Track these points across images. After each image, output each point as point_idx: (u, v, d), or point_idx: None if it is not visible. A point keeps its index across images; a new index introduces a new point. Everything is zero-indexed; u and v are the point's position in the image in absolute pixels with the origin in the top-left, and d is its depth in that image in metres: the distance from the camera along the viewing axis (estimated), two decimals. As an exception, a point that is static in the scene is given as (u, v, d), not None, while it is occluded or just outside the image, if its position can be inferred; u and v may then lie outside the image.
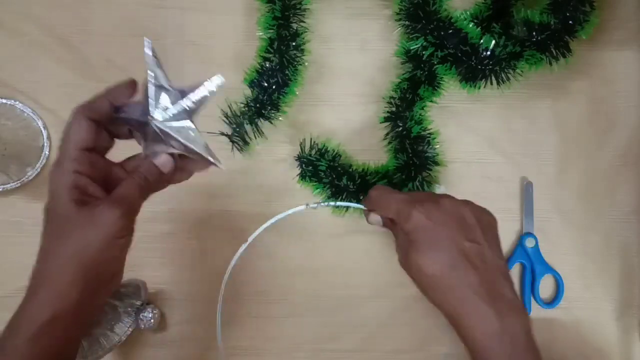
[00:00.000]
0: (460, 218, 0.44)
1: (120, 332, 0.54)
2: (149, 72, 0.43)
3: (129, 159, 0.44)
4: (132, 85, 0.43)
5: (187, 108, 0.42)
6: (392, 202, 0.46)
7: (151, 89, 0.42)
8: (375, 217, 0.49)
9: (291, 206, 0.51)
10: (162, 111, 0.42)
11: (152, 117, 0.41)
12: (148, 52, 0.43)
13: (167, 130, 0.41)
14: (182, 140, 0.41)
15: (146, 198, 0.42)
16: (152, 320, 0.57)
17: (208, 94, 0.43)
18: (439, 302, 0.44)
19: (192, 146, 0.42)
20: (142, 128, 0.42)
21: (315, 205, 0.52)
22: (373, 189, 0.49)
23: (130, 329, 0.55)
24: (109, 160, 0.43)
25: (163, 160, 0.42)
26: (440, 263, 0.42)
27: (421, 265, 0.43)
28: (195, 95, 0.43)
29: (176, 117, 0.42)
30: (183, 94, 0.43)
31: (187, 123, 0.42)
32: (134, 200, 0.41)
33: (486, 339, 0.41)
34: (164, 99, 0.42)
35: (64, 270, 0.38)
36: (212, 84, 0.43)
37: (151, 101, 0.41)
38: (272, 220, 0.60)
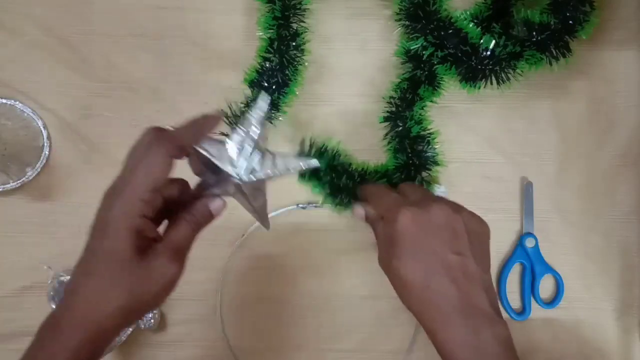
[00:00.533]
0: (449, 228, 0.43)
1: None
2: (253, 127, 0.41)
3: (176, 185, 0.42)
4: (218, 118, 0.41)
5: (274, 174, 0.41)
6: (384, 199, 0.46)
7: (248, 149, 0.41)
8: (359, 210, 0.48)
9: (291, 206, 0.51)
10: (249, 171, 0.40)
11: (239, 177, 0.40)
12: (264, 106, 0.41)
13: (244, 188, 0.40)
14: (251, 201, 0.41)
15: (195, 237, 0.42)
16: (152, 320, 0.57)
17: (293, 171, 0.42)
18: (414, 310, 0.43)
19: (255, 205, 0.41)
20: (214, 169, 0.40)
21: (304, 206, 0.52)
22: (370, 184, 0.48)
23: (130, 329, 0.55)
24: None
25: (218, 206, 0.41)
26: (420, 273, 0.42)
27: (400, 271, 0.42)
28: (290, 165, 0.42)
29: (259, 179, 0.41)
30: (272, 157, 0.41)
31: (262, 186, 0.41)
32: (188, 247, 0.40)
33: (461, 352, 0.40)
34: (254, 157, 0.41)
35: (110, 317, 0.37)
36: (307, 163, 0.42)
37: (241, 161, 0.40)
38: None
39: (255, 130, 0.40)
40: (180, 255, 0.39)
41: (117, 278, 0.37)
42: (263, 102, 0.40)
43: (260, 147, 0.41)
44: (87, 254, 0.38)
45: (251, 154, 0.40)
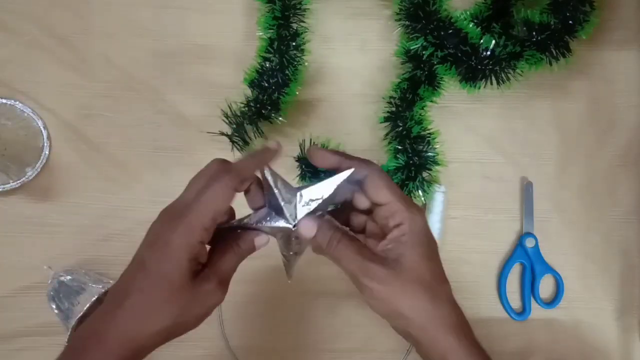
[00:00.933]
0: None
1: None
2: (326, 192, 0.41)
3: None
4: (277, 151, 0.41)
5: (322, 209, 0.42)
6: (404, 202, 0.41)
7: (312, 206, 0.41)
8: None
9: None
10: (303, 209, 0.41)
11: (294, 224, 0.41)
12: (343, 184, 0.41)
13: (292, 235, 0.42)
14: (290, 248, 0.43)
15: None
16: None
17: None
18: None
19: (291, 254, 0.43)
20: (274, 208, 0.41)
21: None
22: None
23: None
24: None
25: (262, 242, 0.42)
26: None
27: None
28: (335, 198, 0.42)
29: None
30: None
31: (305, 242, 0.43)
32: (232, 275, 0.41)
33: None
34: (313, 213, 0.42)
35: (153, 336, 0.38)
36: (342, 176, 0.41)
37: (300, 210, 0.41)
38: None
39: (326, 196, 0.41)
40: (225, 282, 0.40)
41: (169, 300, 0.37)
42: (344, 178, 0.41)
43: (321, 207, 0.42)
44: (139, 268, 0.38)
45: (313, 211, 0.41)
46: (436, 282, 0.41)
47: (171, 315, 0.37)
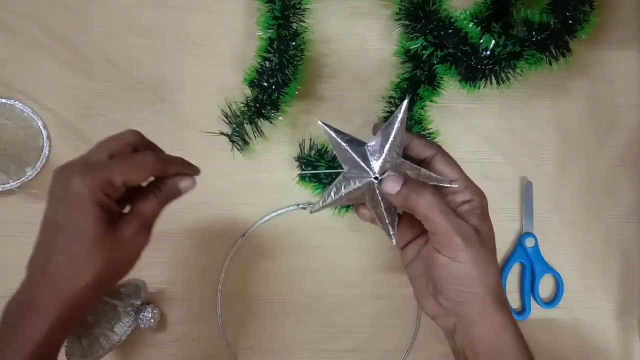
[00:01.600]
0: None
1: (120, 332, 0.54)
2: (393, 134, 0.41)
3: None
4: (188, 188, 0.44)
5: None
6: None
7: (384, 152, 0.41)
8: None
9: (291, 206, 0.51)
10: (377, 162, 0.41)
11: (375, 176, 0.41)
12: (403, 115, 0.41)
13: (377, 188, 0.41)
14: (378, 204, 0.42)
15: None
16: (152, 320, 0.57)
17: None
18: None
19: (379, 210, 0.42)
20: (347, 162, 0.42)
21: (305, 206, 0.52)
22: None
23: (131, 329, 0.55)
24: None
25: (187, 185, 0.43)
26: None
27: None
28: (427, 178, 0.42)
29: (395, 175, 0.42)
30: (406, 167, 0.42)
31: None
32: (155, 219, 0.42)
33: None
34: (386, 162, 0.42)
35: (85, 290, 0.38)
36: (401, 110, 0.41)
37: (374, 163, 0.41)
38: (267, 218, 0.60)
39: (394, 139, 0.41)
40: (148, 226, 0.41)
41: (90, 251, 0.37)
42: (403, 111, 0.41)
43: (392, 156, 0.41)
44: (50, 229, 0.39)
45: (389, 159, 0.41)
46: (495, 255, 0.43)
47: (96, 266, 0.38)
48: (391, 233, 0.42)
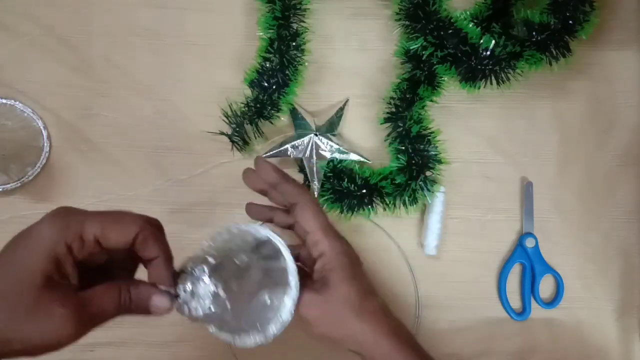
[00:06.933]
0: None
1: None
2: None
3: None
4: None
5: None
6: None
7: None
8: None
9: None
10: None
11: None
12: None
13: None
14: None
15: (116, 317, 0.36)
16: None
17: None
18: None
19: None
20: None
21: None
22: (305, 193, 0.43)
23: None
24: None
25: (159, 304, 0.37)
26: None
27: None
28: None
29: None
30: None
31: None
32: (100, 319, 0.34)
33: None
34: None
35: None
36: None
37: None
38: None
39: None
40: (88, 320, 0.33)
41: (5, 298, 0.31)
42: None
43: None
44: None
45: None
46: (361, 298, 0.42)
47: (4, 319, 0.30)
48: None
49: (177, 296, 0.38)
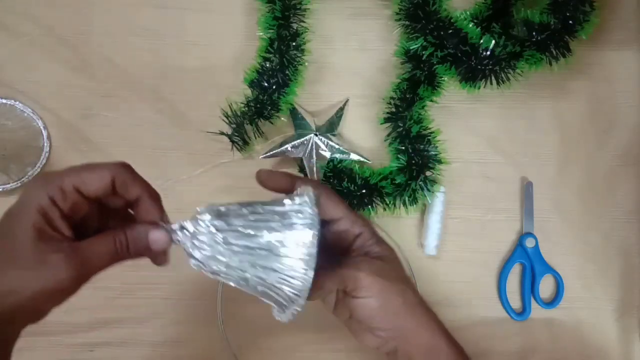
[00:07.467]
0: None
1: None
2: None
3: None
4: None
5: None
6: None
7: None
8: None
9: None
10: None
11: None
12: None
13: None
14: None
15: (116, 263, 0.37)
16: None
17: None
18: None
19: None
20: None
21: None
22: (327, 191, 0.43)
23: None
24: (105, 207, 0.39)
25: (157, 237, 0.37)
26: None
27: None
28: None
29: None
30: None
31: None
32: (97, 266, 0.36)
33: None
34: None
35: None
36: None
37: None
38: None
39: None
40: (85, 265, 0.34)
41: (7, 258, 0.33)
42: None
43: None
44: None
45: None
46: (411, 289, 0.44)
47: (2, 277, 0.33)
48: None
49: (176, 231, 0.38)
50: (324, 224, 0.42)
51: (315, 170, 0.58)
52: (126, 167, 0.38)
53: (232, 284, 0.38)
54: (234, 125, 0.58)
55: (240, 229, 0.37)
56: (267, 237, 0.37)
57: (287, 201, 0.38)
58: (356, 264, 0.42)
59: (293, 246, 0.37)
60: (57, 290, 0.34)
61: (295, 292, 0.37)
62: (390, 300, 0.42)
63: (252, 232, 0.37)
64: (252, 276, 0.37)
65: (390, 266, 0.43)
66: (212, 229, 0.37)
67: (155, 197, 0.39)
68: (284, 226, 0.37)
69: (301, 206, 0.38)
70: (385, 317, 0.42)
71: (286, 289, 0.38)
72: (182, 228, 0.37)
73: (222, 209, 0.38)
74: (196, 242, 0.37)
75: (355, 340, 0.45)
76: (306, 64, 0.59)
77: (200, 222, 0.37)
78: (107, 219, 0.39)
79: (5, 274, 0.33)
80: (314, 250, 0.37)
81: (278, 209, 0.38)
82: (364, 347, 0.44)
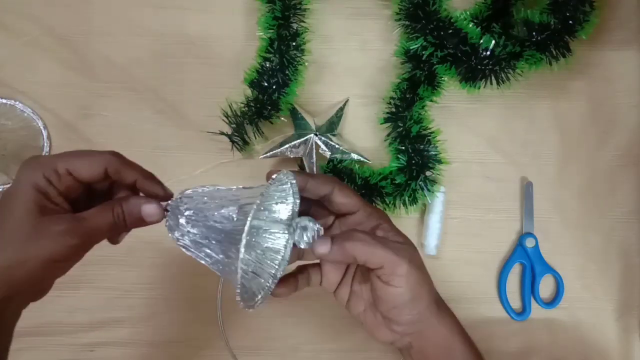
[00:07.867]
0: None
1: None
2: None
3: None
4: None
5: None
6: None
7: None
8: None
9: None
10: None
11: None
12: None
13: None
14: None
15: (116, 233, 0.40)
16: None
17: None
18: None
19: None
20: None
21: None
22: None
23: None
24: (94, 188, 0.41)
25: (151, 211, 0.39)
26: None
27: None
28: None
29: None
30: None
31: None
32: (98, 235, 0.38)
33: None
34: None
35: None
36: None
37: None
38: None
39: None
40: (85, 234, 0.37)
41: (9, 234, 0.35)
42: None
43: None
44: None
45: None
46: (431, 285, 0.43)
47: (7, 251, 0.35)
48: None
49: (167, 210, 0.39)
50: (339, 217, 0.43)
51: (315, 170, 0.58)
52: (117, 156, 0.39)
53: (203, 262, 0.40)
54: (234, 125, 0.58)
55: (219, 209, 0.38)
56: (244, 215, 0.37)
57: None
58: (396, 248, 0.39)
59: (271, 224, 0.39)
60: (64, 257, 0.36)
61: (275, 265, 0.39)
62: (421, 296, 0.40)
63: (230, 213, 0.38)
64: (223, 257, 0.38)
65: (416, 257, 0.41)
66: (198, 204, 0.39)
67: (149, 176, 0.40)
68: (261, 204, 0.39)
69: (281, 185, 0.39)
70: (411, 312, 0.41)
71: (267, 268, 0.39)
72: (170, 206, 0.40)
73: (206, 189, 0.40)
74: (180, 218, 0.39)
75: (367, 333, 0.44)
76: (306, 64, 0.59)
77: (185, 200, 0.39)
78: (99, 199, 0.41)
79: (12, 248, 0.35)
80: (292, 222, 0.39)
81: (258, 190, 0.39)
82: (377, 342, 0.44)
